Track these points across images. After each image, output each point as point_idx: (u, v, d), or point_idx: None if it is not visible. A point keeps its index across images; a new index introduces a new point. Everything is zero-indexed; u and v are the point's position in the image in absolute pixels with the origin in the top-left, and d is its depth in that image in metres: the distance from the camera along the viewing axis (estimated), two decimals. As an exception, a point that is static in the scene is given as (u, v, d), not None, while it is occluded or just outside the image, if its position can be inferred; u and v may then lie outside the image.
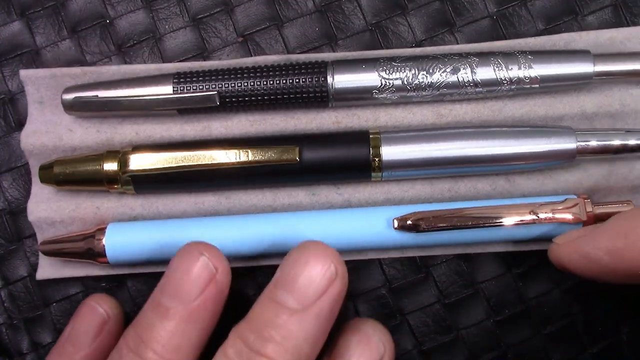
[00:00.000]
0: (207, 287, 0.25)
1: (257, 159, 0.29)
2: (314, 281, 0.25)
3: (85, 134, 0.31)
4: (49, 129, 0.31)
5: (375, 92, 0.30)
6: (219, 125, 0.31)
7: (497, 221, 0.29)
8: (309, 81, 0.30)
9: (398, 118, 0.31)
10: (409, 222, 0.29)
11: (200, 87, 0.30)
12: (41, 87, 0.32)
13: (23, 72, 0.31)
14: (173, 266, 0.26)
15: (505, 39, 0.32)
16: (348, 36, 0.32)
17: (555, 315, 0.32)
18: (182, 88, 0.30)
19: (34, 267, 0.32)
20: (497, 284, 0.32)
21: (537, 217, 0.29)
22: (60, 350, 0.29)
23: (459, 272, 0.32)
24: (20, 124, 0.32)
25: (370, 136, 0.30)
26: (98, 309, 0.30)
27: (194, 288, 0.25)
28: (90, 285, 0.32)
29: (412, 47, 0.32)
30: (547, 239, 0.30)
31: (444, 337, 0.32)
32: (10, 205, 0.32)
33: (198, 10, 0.33)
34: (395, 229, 0.29)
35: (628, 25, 0.32)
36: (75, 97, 0.30)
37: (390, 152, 0.29)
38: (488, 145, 0.29)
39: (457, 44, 0.32)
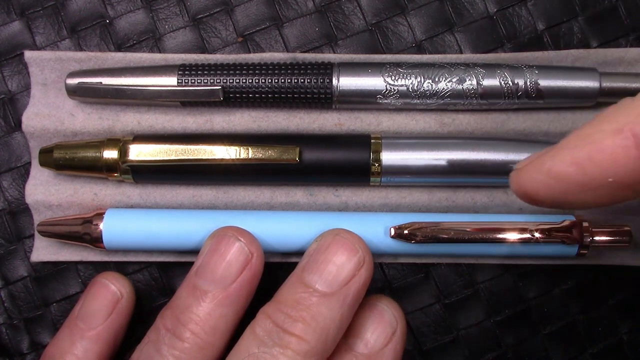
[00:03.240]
0: (242, 272, 0.26)
1: (257, 156, 0.29)
2: (343, 267, 0.26)
3: (87, 120, 0.31)
4: (51, 112, 0.31)
5: (380, 97, 0.30)
6: (221, 119, 0.31)
7: (494, 237, 0.29)
8: (314, 81, 0.30)
9: (401, 124, 0.31)
10: (405, 231, 0.29)
11: (205, 81, 0.30)
12: (45, 69, 0.32)
13: (28, 53, 0.31)
14: (209, 250, 0.27)
15: (506, 39, 0.32)
16: (348, 36, 0.32)
17: (555, 315, 0.32)
18: (186, 81, 0.30)
19: (34, 267, 0.32)
20: (497, 284, 0.32)
21: (533, 237, 0.29)
22: (71, 327, 0.29)
23: (459, 272, 0.32)
24: (21, 124, 0.32)
25: (372, 141, 0.30)
26: (110, 287, 0.30)
27: (231, 272, 0.26)
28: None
29: (412, 47, 0.32)
30: (542, 256, 0.30)
31: (444, 337, 0.32)
32: (10, 205, 0.32)
33: (198, 10, 0.33)
34: (392, 237, 0.29)
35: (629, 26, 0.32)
36: (79, 82, 0.30)
37: (390, 158, 0.29)
38: (489, 157, 0.29)
39: (457, 44, 0.32)
